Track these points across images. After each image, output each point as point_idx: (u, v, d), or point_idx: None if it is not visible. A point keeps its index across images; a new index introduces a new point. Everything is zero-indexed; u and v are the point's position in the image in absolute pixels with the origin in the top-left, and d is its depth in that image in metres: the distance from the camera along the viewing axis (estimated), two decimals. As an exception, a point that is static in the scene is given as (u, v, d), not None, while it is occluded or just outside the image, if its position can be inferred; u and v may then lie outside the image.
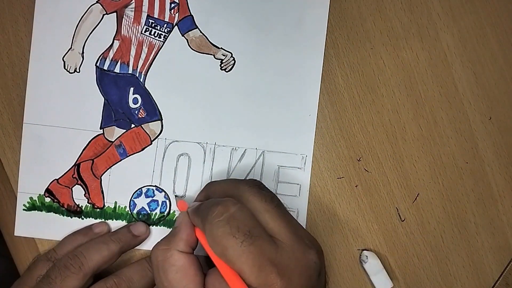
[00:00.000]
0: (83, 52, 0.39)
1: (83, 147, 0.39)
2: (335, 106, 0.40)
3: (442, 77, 0.41)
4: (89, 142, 0.39)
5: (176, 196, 0.40)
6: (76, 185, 0.39)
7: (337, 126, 0.40)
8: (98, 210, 0.39)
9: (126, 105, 0.39)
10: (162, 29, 0.39)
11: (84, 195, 0.39)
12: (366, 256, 0.39)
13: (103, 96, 0.39)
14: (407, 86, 0.41)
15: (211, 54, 0.40)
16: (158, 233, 0.40)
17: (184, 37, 0.40)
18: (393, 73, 0.41)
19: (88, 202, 0.39)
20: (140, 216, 0.39)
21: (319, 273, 0.32)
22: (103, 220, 0.39)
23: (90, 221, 0.39)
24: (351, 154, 0.40)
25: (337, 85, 0.41)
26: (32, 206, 0.39)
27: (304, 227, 0.39)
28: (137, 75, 0.39)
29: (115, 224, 0.40)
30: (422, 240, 0.41)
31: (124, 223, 0.40)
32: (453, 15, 0.41)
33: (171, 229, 0.39)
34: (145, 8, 0.39)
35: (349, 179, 0.40)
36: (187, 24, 0.40)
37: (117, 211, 0.39)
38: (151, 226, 0.40)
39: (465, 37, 0.41)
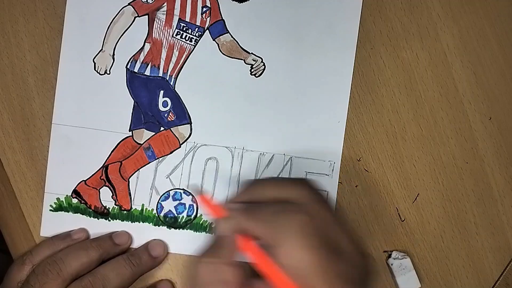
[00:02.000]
0: (113, 54, 0.39)
1: (112, 149, 0.39)
2: (335, 106, 0.40)
3: (442, 77, 0.41)
4: (118, 144, 0.39)
5: (191, 187, 0.39)
6: (104, 187, 0.39)
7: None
8: (125, 212, 0.39)
9: (156, 108, 0.39)
10: (193, 33, 0.39)
11: (112, 197, 0.39)
12: (397, 256, 0.39)
13: (133, 98, 0.39)
14: (407, 86, 0.41)
15: (241, 59, 0.40)
16: (185, 236, 0.40)
17: (215, 41, 0.40)
18: (393, 73, 0.41)
19: (115, 204, 0.39)
20: (167, 219, 0.39)
21: (371, 276, 0.31)
22: (129, 223, 0.39)
23: (117, 223, 0.39)
24: (351, 154, 0.40)
25: (337, 85, 0.40)
26: (59, 207, 0.39)
27: None
28: (167, 78, 0.40)
29: (142, 227, 0.39)
30: (422, 240, 0.41)
31: (151, 226, 0.39)
32: (453, 15, 0.41)
33: (197, 233, 0.39)
34: (176, 11, 0.39)
35: (349, 179, 0.40)
36: (218, 28, 0.40)
37: (144, 213, 0.39)
38: (179, 230, 0.39)
39: (465, 37, 0.41)
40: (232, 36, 0.40)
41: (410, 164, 0.41)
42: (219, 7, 0.40)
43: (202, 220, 0.40)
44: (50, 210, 0.39)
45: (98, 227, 0.39)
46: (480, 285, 0.41)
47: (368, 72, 0.41)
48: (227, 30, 0.40)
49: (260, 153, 0.40)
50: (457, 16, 0.41)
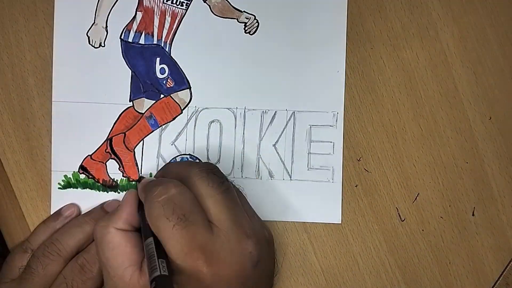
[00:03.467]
0: (106, 26, 0.39)
1: (114, 121, 0.39)
2: (335, 106, 0.40)
3: (442, 77, 0.41)
4: (120, 115, 0.39)
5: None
6: (110, 160, 0.39)
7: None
8: (133, 183, 0.39)
9: (154, 76, 0.39)
10: None
11: (119, 168, 0.39)
12: None
13: (130, 68, 0.39)
14: (407, 86, 0.41)
15: (234, 18, 0.40)
16: None
17: (206, 3, 0.40)
18: (393, 73, 0.41)
19: (123, 176, 0.39)
20: None
21: (255, 264, 0.32)
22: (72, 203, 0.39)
23: None
24: (351, 154, 0.40)
25: (337, 85, 0.40)
26: (67, 184, 0.39)
27: (340, 184, 0.40)
28: (162, 45, 0.39)
29: None
30: (422, 240, 0.41)
31: None
32: (453, 15, 0.41)
33: None
34: None
35: (349, 179, 0.40)
36: None
37: None
38: None
39: (465, 37, 0.41)
40: None
41: (410, 164, 0.41)
42: None
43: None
44: (59, 188, 0.39)
45: (72, 202, 0.39)
46: (480, 285, 0.41)
47: (368, 72, 0.41)
48: None
49: (263, 111, 0.40)
50: (457, 16, 0.41)
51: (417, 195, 0.41)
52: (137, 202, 0.34)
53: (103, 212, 0.38)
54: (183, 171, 0.34)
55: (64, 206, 0.39)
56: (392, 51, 0.41)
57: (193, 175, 0.33)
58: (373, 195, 0.40)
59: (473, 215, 0.41)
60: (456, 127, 0.41)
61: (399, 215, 0.41)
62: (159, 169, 0.38)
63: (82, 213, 0.39)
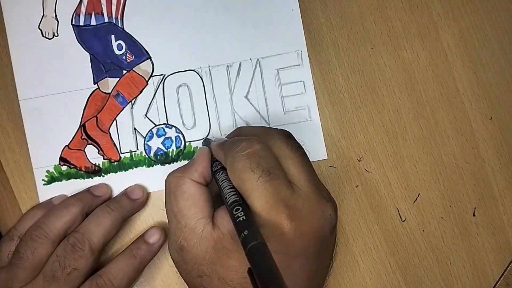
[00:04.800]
0: (56, 16, 0.39)
1: (83, 107, 0.39)
2: (336, 106, 0.40)
3: (442, 77, 0.41)
4: (88, 100, 0.39)
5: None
6: (88, 146, 0.39)
7: (337, 126, 0.40)
8: (116, 163, 0.39)
9: (112, 53, 0.39)
10: None
11: (98, 152, 0.39)
12: None
13: (87, 51, 0.39)
14: (408, 86, 0.41)
15: None
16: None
17: None
18: (394, 73, 0.41)
19: (104, 159, 0.39)
20: (158, 157, 0.39)
21: (332, 228, 0.32)
22: (123, 172, 0.39)
23: (111, 176, 0.39)
24: (352, 154, 0.40)
25: (337, 85, 0.40)
26: (51, 179, 0.39)
27: (319, 121, 0.40)
28: (114, 22, 0.39)
29: (137, 173, 0.39)
30: (422, 241, 0.40)
31: (145, 168, 0.39)
32: (453, 15, 0.41)
33: (187, 161, 0.39)
34: None
35: (349, 179, 0.40)
36: None
37: (134, 159, 0.39)
38: (173, 163, 0.39)
39: (466, 37, 0.41)
40: None
41: (411, 164, 0.40)
42: None
43: (193, 147, 0.40)
44: (44, 184, 0.39)
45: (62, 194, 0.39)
46: (481, 285, 0.40)
47: (369, 72, 0.40)
48: None
49: (227, 65, 0.40)
50: (458, 15, 0.41)
51: (418, 196, 0.41)
52: (210, 158, 0.34)
53: (90, 194, 0.38)
54: (259, 134, 0.34)
55: (55, 196, 0.39)
56: (393, 51, 0.41)
57: (271, 137, 0.33)
58: (374, 196, 0.40)
59: (473, 215, 0.41)
60: (457, 127, 0.41)
61: (400, 216, 0.41)
62: (231, 132, 0.38)
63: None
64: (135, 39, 0.40)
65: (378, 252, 0.40)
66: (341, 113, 0.40)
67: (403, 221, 0.41)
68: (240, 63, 0.40)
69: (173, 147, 0.40)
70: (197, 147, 0.40)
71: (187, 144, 0.40)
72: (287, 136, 0.33)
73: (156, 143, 0.39)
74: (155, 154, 0.39)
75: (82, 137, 0.39)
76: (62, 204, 0.37)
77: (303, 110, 0.40)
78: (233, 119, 0.40)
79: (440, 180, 0.41)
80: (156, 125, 0.40)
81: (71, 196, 0.38)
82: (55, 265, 0.35)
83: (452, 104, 0.41)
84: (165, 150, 0.40)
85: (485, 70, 0.41)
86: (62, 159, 0.39)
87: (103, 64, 0.39)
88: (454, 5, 0.41)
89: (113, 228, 0.37)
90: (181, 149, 0.40)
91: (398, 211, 0.41)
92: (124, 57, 0.39)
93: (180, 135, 0.40)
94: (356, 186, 0.40)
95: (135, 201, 0.38)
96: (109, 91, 0.39)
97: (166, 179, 0.34)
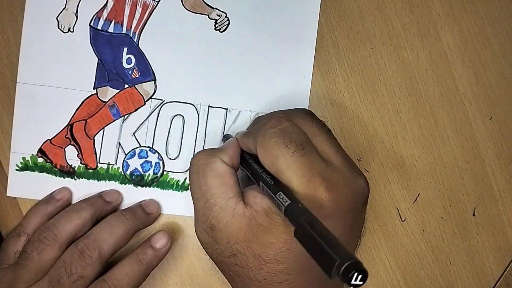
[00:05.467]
0: (77, 12, 0.39)
1: (76, 107, 0.39)
2: (336, 106, 0.40)
3: (442, 76, 0.41)
4: (83, 102, 0.39)
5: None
6: (69, 146, 0.39)
7: (337, 126, 0.40)
8: (91, 171, 0.39)
9: (120, 65, 0.39)
10: None
11: (77, 155, 0.39)
12: None
13: (96, 56, 0.39)
14: (408, 86, 0.41)
15: (205, 14, 0.40)
16: (152, 195, 0.39)
17: None
18: (394, 72, 0.41)
19: (81, 163, 0.39)
20: (133, 177, 0.39)
21: (365, 201, 0.32)
22: (95, 181, 0.39)
23: (82, 182, 0.39)
24: (352, 154, 0.40)
25: (337, 85, 0.40)
26: (25, 166, 0.39)
27: None
28: (131, 35, 0.39)
29: (108, 186, 0.39)
30: (422, 240, 0.40)
31: (117, 184, 0.39)
32: (453, 15, 0.41)
33: (164, 190, 0.39)
34: None
35: (349, 179, 0.40)
36: None
37: (110, 172, 0.39)
38: (145, 187, 0.39)
39: (466, 37, 0.41)
40: None
41: (411, 164, 0.40)
42: None
43: (169, 177, 0.39)
44: (16, 169, 0.39)
45: (64, 186, 0.39)
46: (481, 285, 0.40)
47: (369, 72, 0.40)
48: None
49: (227, 110, 0.40)
50: (458, 15, 0.41)
51: (418, 195, 0.41)
52: (239, 147, 0.34)
53: (101, 200, 0.38)
54: (281, 115, 0.33)
55: (56, 189, 0.39)
56: (393, 51, 0.41)
57: (295, 117, 0.32)
58: (374, 195, 0.40)
59: (473, 215, 0.41)
60: (457, 127, 0.41)
61: (400, 215, 0.41)
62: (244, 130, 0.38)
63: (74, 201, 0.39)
64: (146, 57, 0.39)
65: (378, 252, 0.40)
66: (341, 113, 0.40)
67: (403, 221, 0.41)
68: (239, 111, 0.40)
69: (151, 172, 0.39)
70: (173, 178, 0.40)
71: (164, 172, 0.40)
72: (310, 115, 0.33)
73: (135, 163, 0.39)
74: (131, 173, 0.39)
75: (66, 136, 0.39)
76: (72, 207, 0.37)
77: None
78: None
79: (440, 180, 0.41)
80: (140, 146, 0.39)
81: (82, 200, 0.38)
82: (61, 271, 0.34)
83: (452, 104, 0.41)
84: (142, 173, 0.39)
85: (485, 70, 0.41)
86: (41, 151, 0.39)
87: (108, 73, 0.39)
88: (454, 5, 0.41)
89: (126, 239, 0.36)
90: (157, 176, 0.39)
91: (398, 211, 0.40)
92: (130, 72, 0.39)
93: (161, 162, 0.39)
94: (356, 186, 0.40)
95: (150, 215, 0.38)
96: (106, 100, 0.39)
97: (193, 158, 0.33)
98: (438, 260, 0.40)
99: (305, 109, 0.34)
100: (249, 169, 0.33)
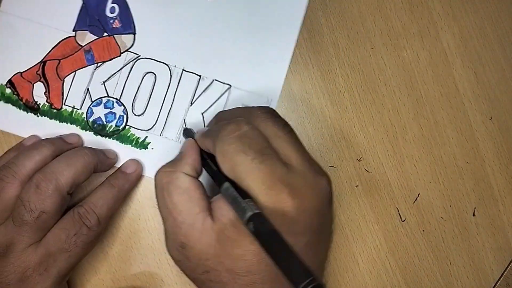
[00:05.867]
0: None
1: (53, 46, 0.39)
2: (336, 106, 0.40)
3: (442, 76, 0.41)
4: (59, 42, 0.39)
5: (185, 129, 0.39)
6: (38, 82, 0.39)
7: (337, 126, 0.40)
8: (55, 110, 0.39)
9: (103, 12, 0.39)
10: None
11: (44, 93, 0.39)
12: None
13: None
14: (408, 86, 0.41)
15: None
16: (110, 146, 0.39)
17: None
18: (394, 72, 0.41)
19: (46, 101, 0.39)
20: (95, 125, 0.39)
21: (329, 201, 0.31)
22: (57, 122, 0.39)
23: (44, 119, 0.39)
24: (352, 154, 0.40)
25: (337, 85, 0.40)
26: None
27: None
28: None
29: (69, 129, 0.39)
30: (422, 241, 0.40)
31: (78, 129, 0.39)
32: (453, 15, 0.41)
33: (123, 144, 0.39)
34: None
35: (349, 179, 0.40)
36: None
37: (73, 115, 0.39)
38: (105, 138, 0.39)
39: (466, 37, 0.41)
40: None
41: (411, 164, 0.40)
42: None
43: (130, 133, 0.39)
44: None
45: (26, 121, 0.39)
46: (481, 285, 0.40)
47: (369, 72, 0.40)
48: None
49: (200, 77, 0.40)
50: (458, 15, 0.41)
51: (418, 196, 0.41)
52: (198, 149, 0.34)
53: (62, 141, 0.37)
54: (242, 115, 0.33)
55: (27, 137, 0.38)
56: (393, 51, 0.41)
57: (255, 117, 0.32)
58: (374, 196, 0.40)
59: (473, 215, 0.41)
60: (457, 127, 0.41)
61: (400, 216, 0.40)
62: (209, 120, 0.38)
63: None
64: (130, 10, 0.39)
65: (378, 252, 0.40)
66: (341, 113, 0.40)
67: (403, 221, 0.41)
68: (212, 81, 0.40)
69: (113, 123, 0.39)
70: (134, 134, 0.39)
71: (126, 127, 0.39)
72: (272, 114, 0.32)
73: (99, 112, 0.39)
74: (94, 121, 0.39)
75: (38, 72, 0.39)
76: (33, 145, 0.36)
77: None
78: (180, 127, 0.40)
79: (440, 180, 0.41)
80: (108, 96, 0.39)
81: (43, 139, 0.37)
82: (21, 209, 0.33)
83: (452, 104, 0.41)
84: (104, 122, 0.39)
85: (485, 70, 0.41)
86: (10, 82, 0.39)
87: (90, 18, 0.39)
88: (454, 5, 0.41)
89: (84, 172, 0.35)
90: (119, 129, 0.39)
91: (398, 211, 0.40)
92: (112, 21, 0.39)
93: (125, 116, 0.39)
94: (356, 186, 0.40)
95: (108, 159, 0.38)
96: (83, 44, 0.39)
97: (156, 176, 0.32)
98: (438, 260, 0.40)
99: (268, 107, 0.33)
100: (210, 172, 0.32)
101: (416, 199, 0.41)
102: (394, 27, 0.41)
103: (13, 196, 0.33)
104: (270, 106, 0.39)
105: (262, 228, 0.26)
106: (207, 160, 0.33)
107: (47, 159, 0.35)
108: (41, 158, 0.35)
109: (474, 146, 0.41)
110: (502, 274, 0.41)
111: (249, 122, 0.31)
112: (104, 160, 0.37)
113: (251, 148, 0.29)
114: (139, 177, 0.39)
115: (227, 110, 0.37)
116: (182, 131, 0.39)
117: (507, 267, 0.41)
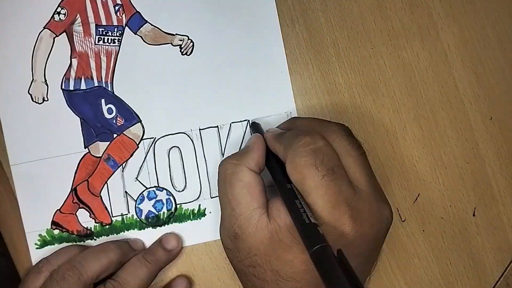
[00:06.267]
0: (45, 80, 0.39)
1: (74, 171, 0.39)
2: (336, 106, 0.40)
3: (442, 77, 0.41)
4: (79, 164, 0.39)
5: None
6: (80, 209, 0.39)
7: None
8: (107, 227, 0.39)
9: (102, 117, 0.40)
10: (114, 33, 0.39)
11: (90, 216, 0.39)
12: None
13: (77, 115, 0.39)
14: (408, 86, 0.41)
15: (168, 43, 0.40)
16: (172, 231, 0.40)
17: (138, 34, 0.40)
18: (394, 73, 0.41)
19: (95, 222, 0.39)
20: (150, 219, 0.39)
21: (387, 230, 0.32)
22: (115, 235, 0.39)
23: (103, 239, 0.39)
24: (352, 154, 0.40)
25: (337, 85, 0.40)
26: (44, 243, 0.39)
27: None
28: (104, 86, 0.40)
29: (129, 235, 0.39)
30: (422, 241, 0.40)
31: (136, 231, 0.39)
32: (453, 15, 0.41)
33: (182, 223, 0.39)
34: (91, 19, 0.39)
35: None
36: (136, 21, 0.40)
37: (125, 222, 0.39)
38: (164, 226, 0.39)
39: (466, 37, 0.41)
40: (152, 25, 0.40)
41: (411, 164, 0.40)
42: (130, 1, 0.40)
43: (184, 209, 0.40)
44: (37, 248, 0.39)
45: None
46: (481, 285, 0.40)
47: (369, 72, 0.40)
48: (145, 20, 0.40)
49: (218, 127, 0.40)
50: (458, 15, 0.41)
51: (418, 196, 0.41)
52: (265, 147, 0.34)
53: (127, 245, 0.37)
54: (318, 127, 0.33)
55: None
56: (393, 51, 0.41)
57: (331, 132, 0.32)
58: (374, 196, 0.40)
59: (473, 215, 0.41)
60: (457, 127, 0.41)
61: (400, 216, 0.40)
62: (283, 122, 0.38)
63: None
64: (125, 103, 0.40)
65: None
66: (341, 113, 0.40)
67: (403, 221, 0.41)
68: (230, 125, 0.40)
69: (164, 209, 0.39)
70: (188, 209, 0.40)
71: (178, 206, 0.40)
72: (348, 133, 0.33)
73: (147, 206, 0.39)
74: (146, 217, 0.39)
75: (74, 201, 0.39)
76: (100, 247, 0.37)
77: None
78: None
79: (440, 180, 0.41)
80: (147, 188, 0.39)
81: (110, 241, 0.38)
82: None
83: (452, 104, 0.41)
84: (156, 213, 0.39)
85: (485, 70, 0.41)
86: (54, 223, 0.39)
87: (94, 128, 0.39)
88: (454, 5, 0.41)
89: (148, 280, 0.36)
90: (172, 212, 0.40)
91: (398, 211, 0.40)
92: (114, 121, 0.39)
93: (171, 197, 0.40)
94: (356, 186, 0.40)
95: (171, 251, 0.38)
96: (100, 155, 0.39)
97: (221, 165, 0.33)
98: (438, 260, 0.40)
99: (344, 125, 0.34)
100: (273, 174, 0.33)
101: (416, 199, 0.41)
102: (394, 27, 0.41)
103: None
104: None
105: (317, 241, 0.26)
106: (274, 163, 0.33)
107: (113, 264, 0.36)
108: (108, 262, 0.35)
109: (474, 146, 0.41)
110: (502, 274, 0.41)
111: (324, 136, 0.31)
112: (166, 258, 0.38)
113: (323, 164, 0.29)
114: (178, 254, 0.39)
115: (302, 118, 0.38)
116: (249, 124, 0.40)
117: (507, 267, 0.41)
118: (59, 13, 0.39)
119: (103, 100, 0.40)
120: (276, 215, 0.30)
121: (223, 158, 0.34)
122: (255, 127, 0.39)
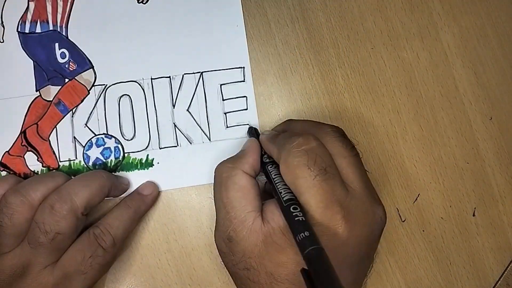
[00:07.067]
0: (2, 22, 0.39)
1: (25, 113, 0.39)
2: (336, 106, 0.40)
3: (442, 77, 0.41)
4: (29, 106, 0.39)
5: (250, 127, 0.39)
6: (28, 152, 0.39)
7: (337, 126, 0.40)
8: (54, 171, 0.39)
9: (55, 61, 0.40)
10: None
11: (37, 159, 0.39)
12: None
13: (31, 58, 0.39)
14: (408, 86, 0.41)
15: None
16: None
17: None
18: (394, 73, 0.41)
19: (42, 166, 0.39)
20: (97, 166, 0.39)
21: (381, 231, 0.32)
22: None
23: None
24: (352, 154, 0.40)
25: (337, 85, 0.40)
26: None
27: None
28: (59, 30, 0.40)
29: None
30: (422, 241, 0.40)
31: None
32: (453, 15, 0.41)
33: (129, 172, 0.39)
34: None
35: (349, 179, 0.40)
36: None
37: (73, 167, 0.39)
38: (112, 173, 0.39)
39: (466, 37, 0.41)
40: None
41: (411, 164, 0.40)
42: None
43: (131, 158, 0.39)
44: None
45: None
46: (481, 285, 0.40)
47: (369, 72, 0.40)
48: None
49: (170, 77, 0.40)
50: (458, 15, 0.41)
51: (418, 196, 0.41)
52: (260, 150, 0.35)
53: (115, 177, 0.37)
54: (312, 129, 0.33)
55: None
56: (393, 51, 0.41)
57: (325, 133, 0.32)
58: (374, 196, 0.40)
59: (473, 215, 0.41)
60: (457, 127, 0.41)
61: (400, 216, 0.41)
62: (279, 124, 0.38)
63: None
64: (78, 48, 0.40)
65: (378, 252, 0.40)
66: (341, 113, 0.40)
67: (403, 221, 0.41)
68: (182, 76, 0.40)
69: (112, 157, 0.39)
70: (135, 158, 0.39)
71: (125, 155, 0.39)
72: (341, 134, 0.33)
73: (95, 153, 0.39)
74: (94, 163, 0.39)
75: (22, 144, 0.39)
76: (48, 174, 0.36)
77: (245, 126, 0.40)
78: (174, 131, 0.40)
79: (440, 180, 0.41)
80: (95, 135, 0.39)
81: (60, 172, 0.37)
82: (36, 231, 0.33)
83: (452, 104, 0.41)
84: (104, 160, 0.39)
85: (485, 70, 0.41)
86: (1, 165, 0.39)
87: (46, 72, 0.39)
88: (454, 5, 0.41)
89: (99, 194, 0.35)
90: (119, 160, 0.39)
91: (398, 211, 0.40)
92: (67, 66, 0.39)
93: (120, 145, 0.39)
94: (356, 186, 0.40)
95: (147, 197, 0.38)
96: (51, 99, 0.39)
97: (217, 169, 0.33)
98: (438, 260, 0.40)
99: (338, 127, 0.34)
100: (268, 177, 0.33)
101: (416, 199, 0.41)
102: (394, 27, 0.41)
103: (24, 221, 0.33)
104: (245, 74, 0.40)
105: (310, 243, 0.26)
106: (267, 166, 0.33)
107: (58, 186, 0.35)
108: (54, 185, 0.35)
109: (474, 146, 0.41)
110: (502, 274, 0.41)
111: (318, 138, 0.31)
112: (117, 184, 0.38)
113: (316, 164, 0.29)
114: (155, 199, 0.39)
115: (297, 120, 0.38)
116: (174, 136, 0.40)
117: (507, 267, 0.41)
118: None
119: (57, 44, 0.40)
120: (270, 218, 0.31)
121: (219, 162, 0.34)
122: (252, 132, 0.39)
